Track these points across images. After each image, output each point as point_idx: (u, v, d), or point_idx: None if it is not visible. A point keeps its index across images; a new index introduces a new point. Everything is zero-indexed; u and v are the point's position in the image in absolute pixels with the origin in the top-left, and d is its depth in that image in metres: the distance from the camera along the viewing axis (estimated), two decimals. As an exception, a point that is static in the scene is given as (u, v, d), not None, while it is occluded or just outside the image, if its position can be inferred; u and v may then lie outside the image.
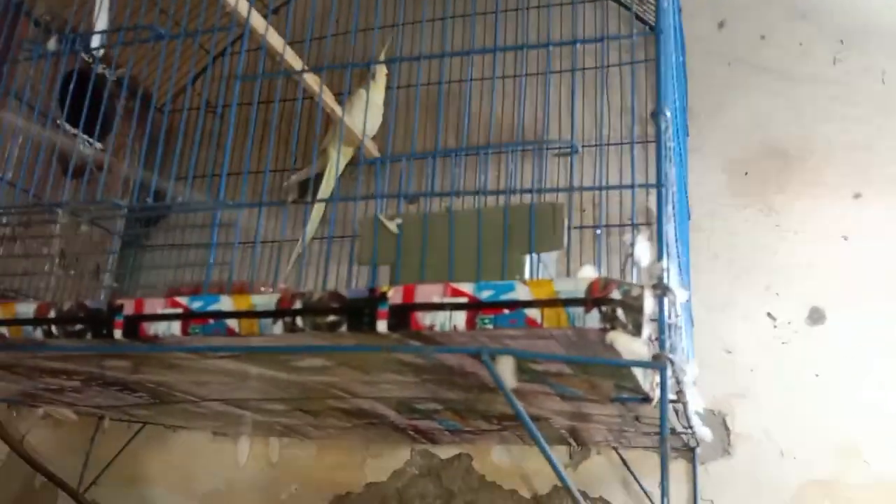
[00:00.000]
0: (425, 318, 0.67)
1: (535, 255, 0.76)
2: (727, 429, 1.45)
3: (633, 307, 0.61)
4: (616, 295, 0.61)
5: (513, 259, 0.76)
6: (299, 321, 0.72)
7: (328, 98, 1.63)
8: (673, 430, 1.25)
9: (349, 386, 1.13)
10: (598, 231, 1.09)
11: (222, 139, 2.06)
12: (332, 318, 0.71)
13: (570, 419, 1.26)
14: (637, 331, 0.61)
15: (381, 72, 1.72)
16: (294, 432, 1.68)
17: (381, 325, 0.68)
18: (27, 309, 0.84)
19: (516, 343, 0.70)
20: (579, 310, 0.62)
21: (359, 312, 0.69)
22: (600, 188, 0.98)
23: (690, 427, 1.18)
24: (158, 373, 1.09)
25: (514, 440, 1.50)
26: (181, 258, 1.96)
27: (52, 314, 0.83)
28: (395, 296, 0.68)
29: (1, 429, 2.00)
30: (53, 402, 1.67)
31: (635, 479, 1.47)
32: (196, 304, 0.76)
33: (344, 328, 0.70)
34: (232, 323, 0.74)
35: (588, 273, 0.68)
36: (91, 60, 1.98)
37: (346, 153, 1.75)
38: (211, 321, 0.75)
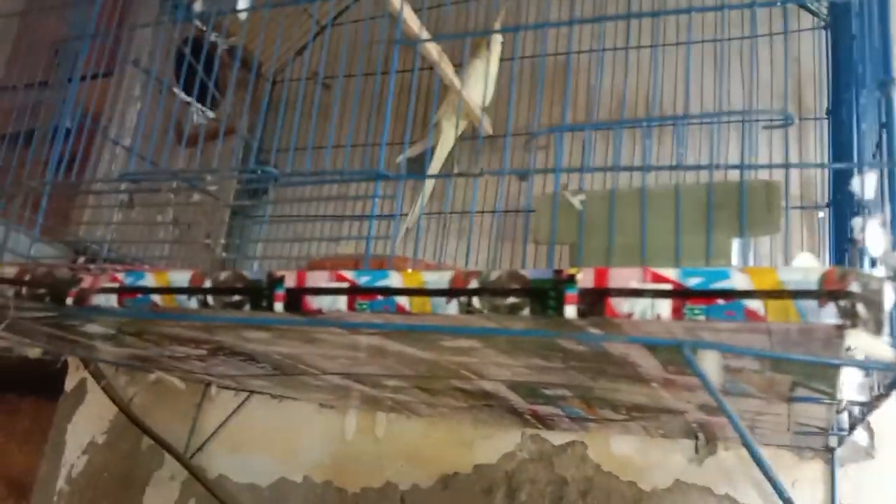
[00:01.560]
0: (623, 305, 0.61)
1: (743, 239, 0.69)
2: (870, 429, 1.35)
3: (874, 302, 0.54)
4: (855, 288, 0.54)
5: (719, 242, 0.69)
6: (476, 302, 0.67)
7: (447, 67, 1.58)
8: (822, 430, 1.17)
9: (482, 368, 1.09)
10: (821, 214, 1.00)
11: (346, 111, 2.05)
12: (511, 299, 0.66)
13: (709, 413, 1.20)
14: (878, 329, 0.54)
15: (497, 41, 1.66)
16: (403, 408, 1.65)
17: (570, 311, 0.63)
18: (181, 277, 0.82)
19: (718, 337, 0.64)
20: (811, 303, 0.55)
21: (543, 295, 0.64)
22: (821, 166, 0.89)
23: (848, 428, 1.09)
24: (293, 346, 1.07)
25: (637, 431, 1.44)
26: (288, 231, 1.96)
27: (208, 283, 0.80)
28: (585, 279, 0.63)
29: (110, 390, 2.05)
30: (169, 369, 1.69)
31: (767, 477, 1.38)
32: (363, 279, 0.72)
33: (526, 311, 0.65)
34: (402, 300, 0.70)
35: (807, 261, 0.61)
36: (204, 28, 1.97)
37: (460, 126, 1.71)
38: (379, 297, 0.71)
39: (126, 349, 1.36)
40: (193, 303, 0.81)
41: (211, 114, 1.94)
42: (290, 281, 0.76)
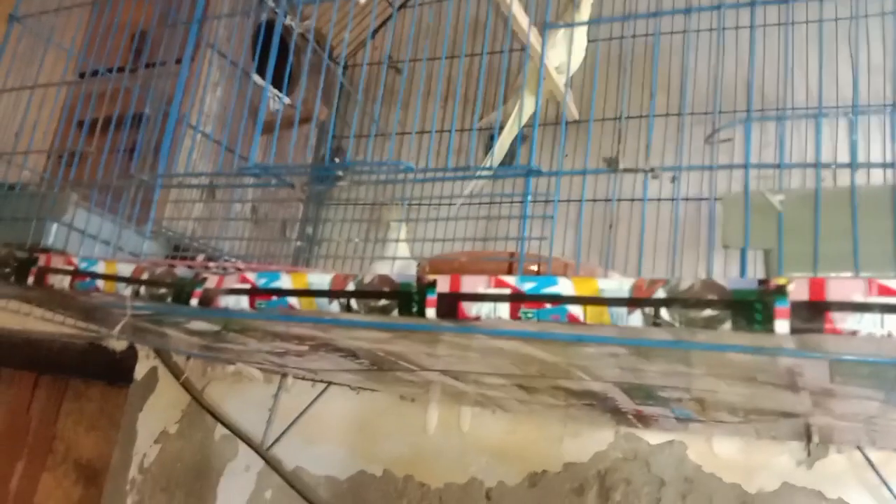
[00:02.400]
0: (845, 320, 0.55)
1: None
2: None
3: None
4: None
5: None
6: (665, 313, 0.62)
7: (535, 41, 1.51)
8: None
9: (603, 370, 1.03)
10: None
11: (430, 96, 2.00)
12: (709, 312, 0.60)
13: (837, 418, 1.13)
14: None
15: (587, 2, 1.57)
16: (490, 403, 1.61)
17: (781, 326, 0.57)
18: (321, 280, 0.77)
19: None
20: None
21: (747, 308, 0.58)
22: None
23: None
24: (408, 345, 1.03)
25: (744, 432, 1.38)
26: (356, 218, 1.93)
27: (350, 286, 0.76)
28: (797, 291, 0.57)
29: (187, 383, 2.03)
30: (251, 361, 1.67)
31: (883, 482, 1.32)
32: (528, 286, 0.67)
33: (727, 325, 0.59)
34: (575, 310, 0.65)
35: None
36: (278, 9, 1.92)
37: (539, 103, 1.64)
38: (548, 305, 0.66)
39: (219, 343, 1.33)
40: (335, 307, 0.76)
41: (287, 100, 1.89)
42: (444, 286, 0.71)
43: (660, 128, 1.65)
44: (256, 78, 1.82)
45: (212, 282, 0.85)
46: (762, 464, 1.40)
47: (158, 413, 2.09)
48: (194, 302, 0.85)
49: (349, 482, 1.78)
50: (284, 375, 1.90)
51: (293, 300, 0.78)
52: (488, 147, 1.82)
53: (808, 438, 1.36)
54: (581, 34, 1.58)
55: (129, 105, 1.49)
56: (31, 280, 0.99)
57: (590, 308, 0.65)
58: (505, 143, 1.62)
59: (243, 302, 0.82)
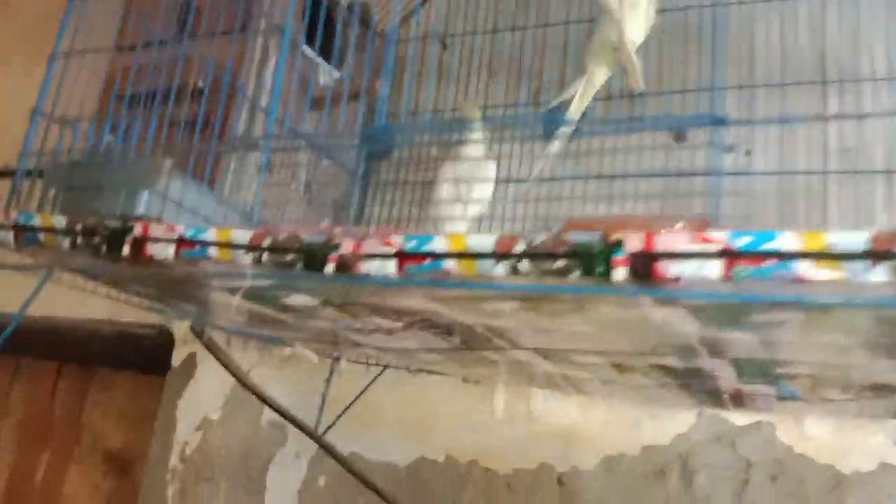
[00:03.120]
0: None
1: None
2: None
3: None
4: None
5: None
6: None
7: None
8: None
9: (737, 344, 0.98)
10: None
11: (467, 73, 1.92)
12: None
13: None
14: None
15: None
16: (567, 384, 1.55)
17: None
18: (483, 242, 0.71)
19: None
20: None
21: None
22: None
23: None
24: (533, 319, 0.96)
25: (839, 412, 1.33)
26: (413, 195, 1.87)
27: (520, 248, 0.69)
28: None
29: (230, 363, 1.96)
30: (318, 343, 1.60)
31: None
32: (742, 241, 0.61)
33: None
34: (804, 267, 0.59)
35: None
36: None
37: (608, 66, 1.57)
38: (768, 262, 0.60)
39: (297, 321, 1.26)
40: (500, 270, 0.70)
41: (338, 74, 1.82)
42: (635, 244, 0.65)
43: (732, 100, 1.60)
44: (307, 50, 1.75)
45: (347, 246, 0.79)
46: (856, 444, 1.36)
47: (199, 400, 2.02)
48: (329, 268, 0.78)
49: (408, 469, 1.72)
50: (337, 359, 1.84)
51: (450, 263, 0.72)
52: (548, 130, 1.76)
53: (908, 416, 1.31)
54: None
55: (175, 77, 1.41)
56: (126, 250, 0.91)
57: (823, 264, 0.59)
58: (576, 112, 1.56)
59: (389, 267, 0.75)
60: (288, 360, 1.87)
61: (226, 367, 1.97)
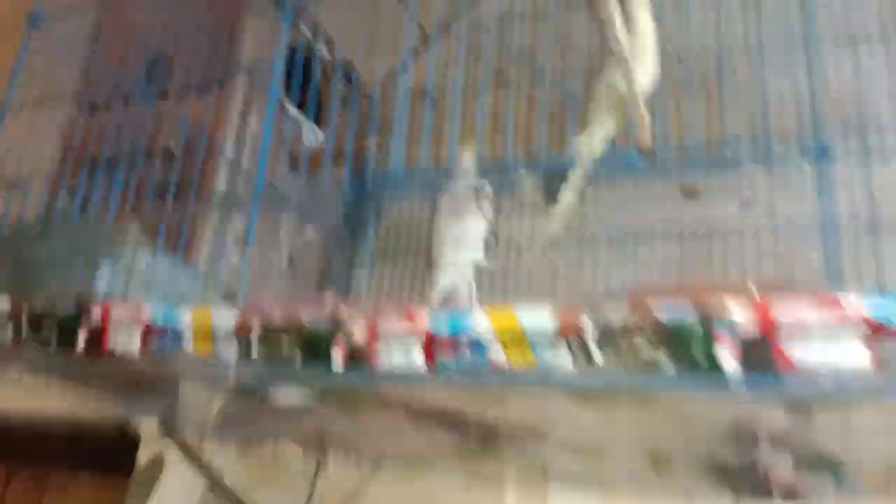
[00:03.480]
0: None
1: None
2: None
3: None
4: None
5: None
6: None
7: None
8: None
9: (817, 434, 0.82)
10: None
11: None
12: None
13: None
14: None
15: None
16: (588, 478, 1.37)
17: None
18: (538, 319, 0.56)
19: None
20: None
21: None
22: None
23: None
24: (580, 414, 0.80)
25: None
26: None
27: (586, 326, 0.54)
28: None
29: (204, 464, 1.75)
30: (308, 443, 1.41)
31: None
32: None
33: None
34: None
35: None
36: (310, 34, 1.72)
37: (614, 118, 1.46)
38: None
39: (291, 421, 1.08)
40: (563, 357, 0.54)
41: (321, 133, 1.68)
42: (746, 321, 0.50)
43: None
44: (289, 108, 1.62)
45: (359, 330, 0.63)
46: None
47: (169, 503, 1.79)
48: (337, 358, 0.62)
49: (408, 580, 1.51)
50: (324, 457, 1.64)
51: (496, 351, 0.56)
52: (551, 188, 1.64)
53: None
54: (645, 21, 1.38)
55: (146, 137, 1.26)
56: (80, 344, 0.74)
57: None
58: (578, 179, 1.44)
59: (414, 355, 0.59)
60: (269, 460, 1.67)
61: (199, 468, 1.76)
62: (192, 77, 1.22)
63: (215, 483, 1.66)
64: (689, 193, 1.53)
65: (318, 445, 1.57)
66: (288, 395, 0.84)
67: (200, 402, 1.05)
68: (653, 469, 1.14)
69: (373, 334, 0.61)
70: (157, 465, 1.85)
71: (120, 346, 0.71)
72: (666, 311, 0.50)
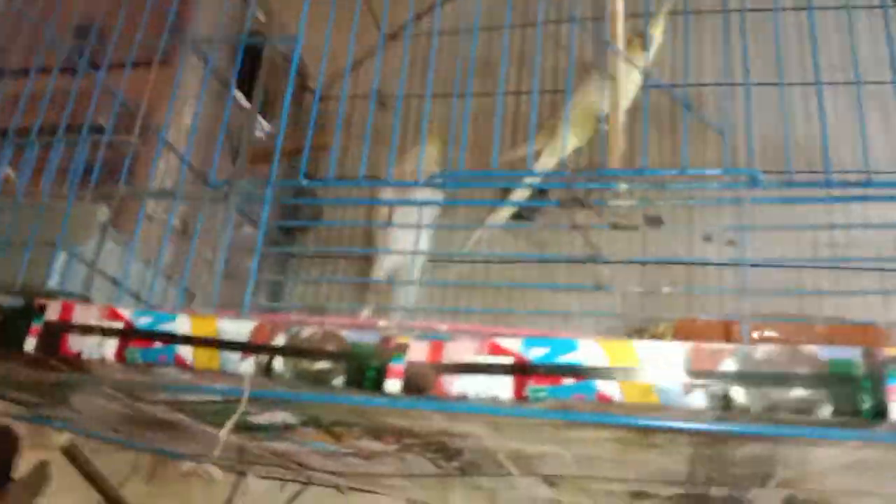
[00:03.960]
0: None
1: None
2: None
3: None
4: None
5: None
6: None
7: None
8: None
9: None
10: None
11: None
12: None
13: None
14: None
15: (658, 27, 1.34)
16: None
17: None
18: (670, 353, 0.47)
19: None
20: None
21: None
22: None
23: None
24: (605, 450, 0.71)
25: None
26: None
27: (725, 364, 0.46)
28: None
29: (98, 476, 1.55)
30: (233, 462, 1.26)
31: None
32: None
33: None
34: None
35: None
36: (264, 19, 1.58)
37: (579, 136, 1.42)
38: None
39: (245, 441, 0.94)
40: (699, 399, 0.46)
41: (269, 127, 1.53)
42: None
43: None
44: (241, 98, 1.46)
45: (418, 352, 0.52)
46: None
47: (49, 524, 1.57)
48: (393, 386, 0.51)
49: None
50: (242, 474, 1.48)
51: (607, 384, 0.47)
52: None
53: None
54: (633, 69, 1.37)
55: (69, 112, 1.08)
56: (31, 344, 0.59)
57: None
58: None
59: (500, 387, 0.49)
60: (177, 475, 1.49)
61: (92, 481, 1.55)
62: (129, 49, 1.04)
63: (112, 500, 1.47)
64: (652, 221, 1.49)
65: (236, 462, 1.42)
66: (269, 417, 0.71)
67: (120, 415, 0.89)
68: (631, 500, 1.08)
69: (435, 357, 0.50)
70: (39, 475, 1.64)
71: (88, 353, 0.56)
72: (827, 352, 0.42)
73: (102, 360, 0.57)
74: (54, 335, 0.58)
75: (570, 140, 1.39)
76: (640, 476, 0.89)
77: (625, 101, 1.31)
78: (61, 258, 0.64)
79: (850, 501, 0.87)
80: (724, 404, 0.45)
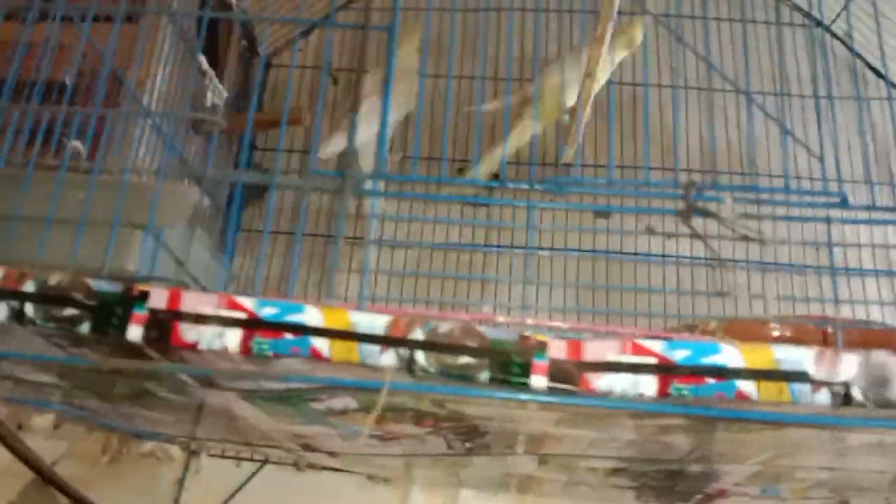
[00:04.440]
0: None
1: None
2: None
3: None
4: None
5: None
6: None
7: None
8: None
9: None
10: None
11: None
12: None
13: None
14: None
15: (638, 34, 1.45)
16: (492, 485, 1.37)
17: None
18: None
19: None
20: None
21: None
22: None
23: None
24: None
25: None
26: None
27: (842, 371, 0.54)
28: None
29: (29, 452, 1.46)
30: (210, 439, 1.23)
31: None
32: None
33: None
34: None
35: None
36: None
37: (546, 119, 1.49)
38: None
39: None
40: (823, 397, 0.53)
41: (224, 93, 1.48)
42: None
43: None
44: (202, 60, 1.40)
45: (557, 350, 0.56)
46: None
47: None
48: (539, 382, 0.55)
49: (290, 590, 1.39)
50: (194, 452, 1.44)
51: (747, 384, 0.53)
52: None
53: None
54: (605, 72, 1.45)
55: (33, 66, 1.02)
56: (135, 332, 0.58)
57: None
58: (495, 159, 1.44)
59: (645, 384, 0.54)
60: (138, 455, 1.43)
61: (22, 459, 1.45)
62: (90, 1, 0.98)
63: (47, 478, 1.40)
64: (601, 213, 1.58)
65: (188, 439, 1.39)
66: (340, 401, 0.73)
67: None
68: (604, 476, 1.17)
69: (576, 355, 0.55)
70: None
71: (206, 343, 0.56)
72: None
73: (224, 351, 0.57)
74: (163, 324, 0.57)
75: (533, 125, 1.45)
76: (639, 455, 0.97)
77: (591, 93, 1.38)
78: (149, 242, 0.61)
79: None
80: (844, 401, 0.52)
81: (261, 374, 0.60)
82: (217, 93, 1.45)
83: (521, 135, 1.48)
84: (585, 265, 1.52)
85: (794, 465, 0.96)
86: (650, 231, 1.27)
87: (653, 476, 1.14)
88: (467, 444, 0.97)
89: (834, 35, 1.75)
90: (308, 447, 1.04)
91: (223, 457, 1.45)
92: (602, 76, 1.36)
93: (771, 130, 1.57)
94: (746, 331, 0.78)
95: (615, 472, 1.13)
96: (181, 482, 1.43)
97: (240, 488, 1.42)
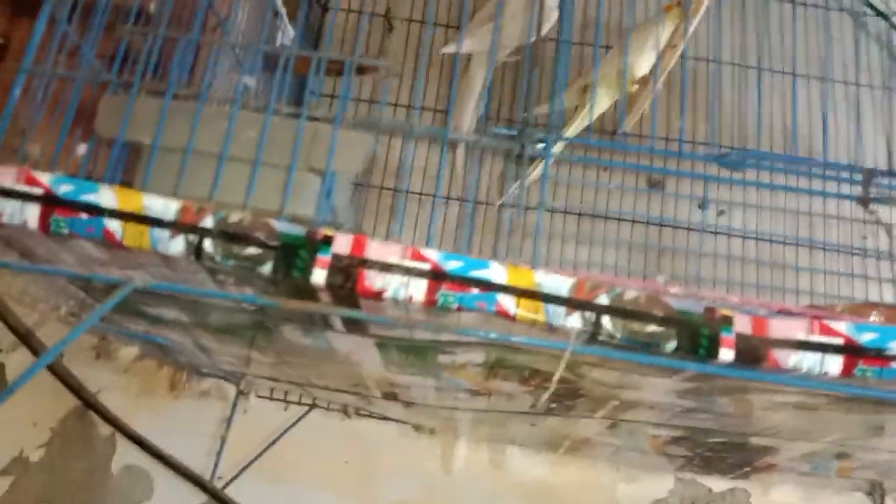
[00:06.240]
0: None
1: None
2: None
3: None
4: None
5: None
6: None
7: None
8: None
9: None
10: None
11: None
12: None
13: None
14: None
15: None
16: (542, 444, 1.40)
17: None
18: None
19: None
20: None
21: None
22: None
23: None
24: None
25: (811, 483, 1.37)
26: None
27: None
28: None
29: (72, 378, 1.46)
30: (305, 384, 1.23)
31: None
32: None
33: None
34: None
35: None
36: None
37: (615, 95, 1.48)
38: None
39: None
40: None
41: (292, 33, 1.44)
42: None
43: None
44: (279, 1, 1.37)
45: (742, 325, 0.57)
46: (824, 512, 1.42)
47: (10, 431, 1.46)
48: (727, 355, 0.56)
49: (332, 533, 1.42)
50: (244, 392, 1.45)
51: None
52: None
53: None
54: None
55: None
56: (319, 276, 0.58)
57: None
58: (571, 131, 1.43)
59: (832, 363, 0.56)
60: (194, 392, 1.44)
61: (67, 384, 1.46)
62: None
63: (90, 406, 1.41)
64: (654, 182, 1.59)
65: (238, 377, 1.40)
66: (468, 356, 0.74)
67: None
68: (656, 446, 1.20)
69: (762, 331, 0.56)
70: (-9, 373, 1.53)
71: (392, 291, 0.57)
72: None
73: (408, 301, 0.57)
74: (348, 270, 0.57)
75: (605, 99, 1.44)
76: (718, 427, 1.00)
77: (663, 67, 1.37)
78: (324, 187, 0.61)
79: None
80: None
81: (438, 327, 0.61)
82: (286, 33, 1.42)
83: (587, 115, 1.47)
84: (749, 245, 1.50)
85: (866, 446, 0.99)
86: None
87: (711, 447, 1.17)
88: (552, 405, 0.99)
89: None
90: (391, 395, 1.05)
91: (271, 399, 1.46)
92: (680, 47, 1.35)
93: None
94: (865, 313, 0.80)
95: (676, 440, 1.16)
96: (229, 421, 1.44)
97: (285, 431, 1.44)
